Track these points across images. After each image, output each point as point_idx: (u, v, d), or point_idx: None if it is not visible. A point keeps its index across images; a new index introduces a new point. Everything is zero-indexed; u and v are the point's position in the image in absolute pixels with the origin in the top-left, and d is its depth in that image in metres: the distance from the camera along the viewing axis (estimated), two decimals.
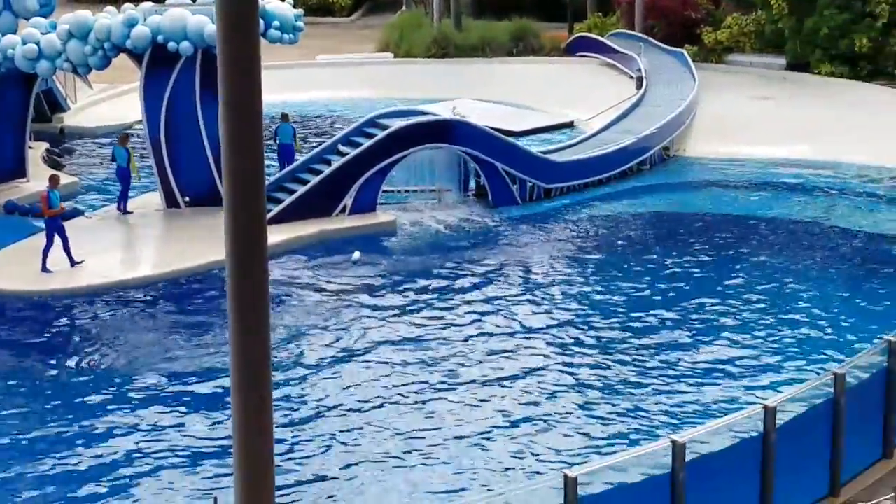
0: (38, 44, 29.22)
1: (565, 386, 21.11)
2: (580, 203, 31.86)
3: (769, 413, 15.10)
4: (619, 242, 29.18)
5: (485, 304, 24.84)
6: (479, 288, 25.79)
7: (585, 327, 23.72)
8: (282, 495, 16.60)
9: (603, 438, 19.18)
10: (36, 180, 31.30)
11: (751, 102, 39.96)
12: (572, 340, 23.08)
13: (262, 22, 28.63)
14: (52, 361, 22.08)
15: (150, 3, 30.17)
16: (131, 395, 20.77)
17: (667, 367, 21.74)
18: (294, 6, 31.11)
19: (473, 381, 21.24)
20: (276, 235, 26.74)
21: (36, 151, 34.18)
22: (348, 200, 29.55)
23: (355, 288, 25.69)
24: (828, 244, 28.65)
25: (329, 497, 17.64)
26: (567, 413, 20.06)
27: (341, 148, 30.38)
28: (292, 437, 19.16)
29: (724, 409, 19.51)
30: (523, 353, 22.42)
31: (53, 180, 26.57)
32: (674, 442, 14.13)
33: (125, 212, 29.72)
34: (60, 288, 25.07)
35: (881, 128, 36.64)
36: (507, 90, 42.06)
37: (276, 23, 29.85)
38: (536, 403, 20.40)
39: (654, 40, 44.62)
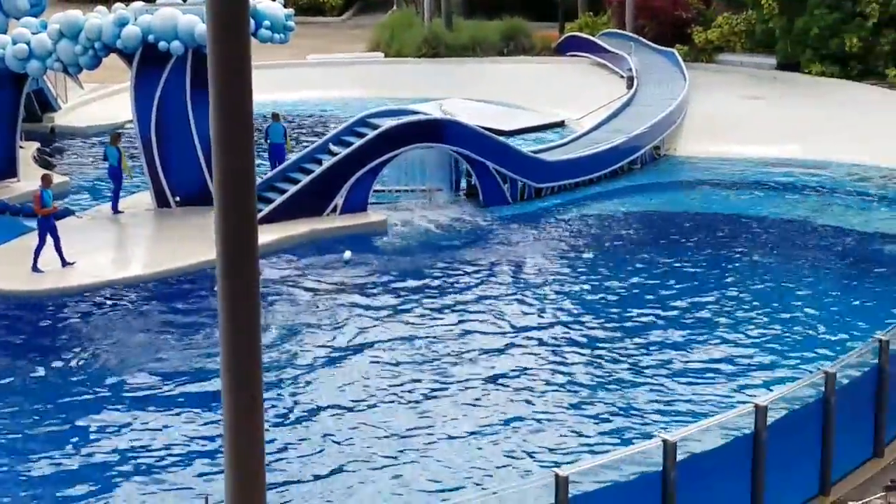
0: (28, 43, 29.19)
1: (557, 385, 21.12)
2: (571, 202, 31.88)
3: (760, 412, 15.11)
4: (610, 242, 29.20)
5: (476, 304, 24.84)
6: (471, 287, 25.79)
7: (577, 326, 23.73)
8: (273, 495, 16.59)
9: (595, 437, 19.19)
10: (27, 180, 31.25)
11: (741, 102, 40.01)
12: (564, 339, 23.09)
13: (252, 21, 28.60)
14: (43, 361, 22.02)
15: (141, 3, 30.17)
16: (122, 394, 20.74)
17: (659, 366, 21.75)
18: (285, 6, 31.12)
19: (465, 381, 21.24)
20: (267, 235, 26.75)
21: (27, 151, 34.14)
22: (339, 200, 29.54)
23: (346, 287, 25.68)
24: (819, 243, 28.69)
25: (321, 497, 17.62)
26: (559, 412, 20.07)
27: (332, 147, 30.38)
28: (283, 436, 19.15)
29: (716, 408, 19.53)
30: (515, 353, 22.43)
31: (46, 179, 26.54)
32: (665, 441, 14.14)
33: (116, 211, 29.70)
34: (51, 287, 25.03)
35: (871, 127, 36.72)
36: (497, 90, 42.11)
37: (266, 22, 29.85)
38: (529, 402, 20.40)
39: (644, 40, 44.66)
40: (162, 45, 28.44)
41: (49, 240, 25.54)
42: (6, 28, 31.17)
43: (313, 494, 17.67)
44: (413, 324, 23.79)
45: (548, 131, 38.38)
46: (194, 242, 26.63)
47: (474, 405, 20.35)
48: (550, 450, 18.77)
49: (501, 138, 32.37)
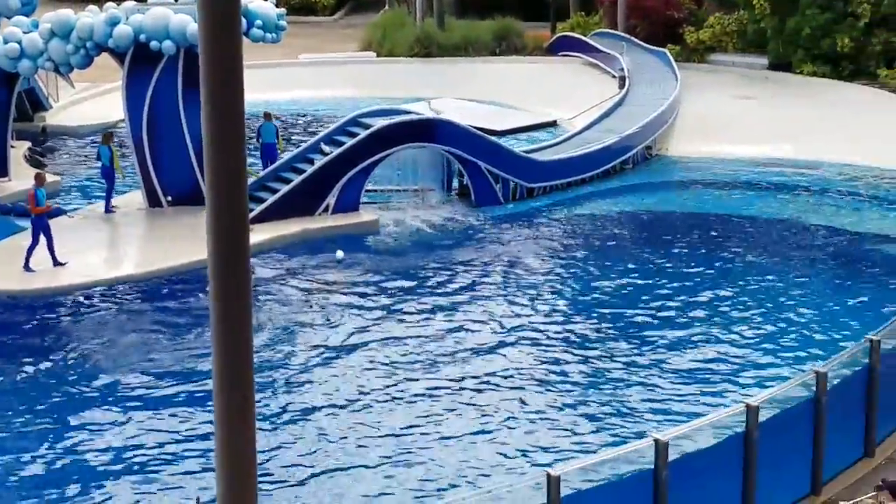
0: (20, 43, 29.13)
1: (550, 384, 21.12)
2: (563, 202, 31.89)
3: (751, 412, 15.13)
4: (602, 242, 29.20)
5: (468, 304, 24.84)
6: (463, 287, 25.79)
7: (570, 326, 23.74)
8: (265, 495, 16.58)
9: (588, 436, 19.20)
10: (18, 179, 31.22)
11: (733, 102, 40.06)
12: (557, 339, 23.10)
13: (244, 21, 28.59)
14: (34, 361, 21.98)
15: (133, 2, 30.12)
16: (113, 394, 20.70)
17: (651, 366, 21.76)
18: (277, 5, 31.13)
19: (458, 380, 21.24)
20: (260, 234, 26.74)
21: (18, 151, 34.07)
22: (331, 199, 29.52)
23: (339, 287, 25.67)
24: (810, 243, 28.73)
25: (314, 496, 17.61)
26: (552, 411, 20.08)
27: (324, 147, 30.36)
28: (276, 436, 19.13)
29: (708, 408, 19.54)
30: (508, 352, 22.43)
31: (39, 178, 26.49)
32: (656, 440, 14.15)
33: (108, 210, 29.66)
34: (43, 287, 24.98)
35: (863, 127, 36.79)
36: (489, 89, 42.14)
37: (258, 22, 29.84)
38: (522, 402, 20.41)
39: (636, 40, 44.70)
40: (153, 44, 28.40)
41: (42, 239, 25.51)
42: None
43: (306, 494, 17.65)
44: (406, 323, 23.78)
45: (540, 131, 38.42)
46: (186, 242, 26.60)
47: (467, 404, 20.35)
48: (544, 449, 18.78)
49: (493, 138, 32.39)
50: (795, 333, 23.21)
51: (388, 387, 20.97)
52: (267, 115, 32.69)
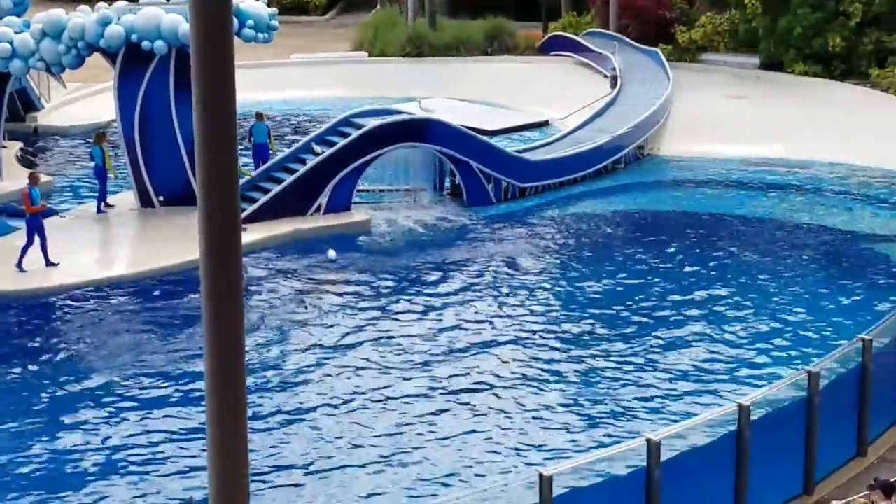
0: (11, 43, 29.05)
1: (543, 383, 21.13)
2: (555, 202, 31.88)
3: (743, 411, 15.14)
4: (595, 241, 29.20)
5: (460, 303, 24.84)
6: (455, 287, 25.78)
7: (562, 325, 23.75)
8: (257, 495, 16.57)
9: (581, 436, 19.21)
10: (10, 180, 31.16)
11: (725, 101, 40.07)
12: (550, 338, 23.10)
13: (236, 21, 28.56)
14: (26, 361, 21.94)
15: (124, 2, 30.06)
16: (105, 394, 20.68)
17: (644, 365, 21.78)
18: (268, 5, 31.05)
19: (450, 379, 21.24)
20: (251, 234, 26.71)
21: (10, 151, 34.01)
22: (323, 199, 29.51)
23: (331, 287, 25.66)
24: (802, 242, 28.75)
25: (307, 496, 17.60)
26: (545, 410, 20.09)
27: (316, 147, 30.33)
28: (269, 436, 19.12)
29: (701, 407, 19.56)
30: (501, 351, 22.43)
31: (33, 178, 26.44)
32: (649, 440, 14.16)
33: (100, 210, 29.63)
34: (35, 287, 24.94)
35: (854, 126, 36.81)
36: (481, 89, 42.11)
37: (250, 22, 29.79)
38: (515, 401, 20.42)
39: (628, 39, 44.70)
40: (145, 44, 28.36)
41: (35, 239, 25.47)
42: None
43: (300, 494, 17.65)
44: (399, 323, 23.77)
45: (532, 131, 38.42)
46: (178, 242, 26.58)
47: (461, 404, 20.35)
48: (537, 448, 18.79)
49: (485, 138, 32.38)
50: (788, 332, 23.23)
51: (381, 386, 20.96)
52: (259, 115, 32.65)
